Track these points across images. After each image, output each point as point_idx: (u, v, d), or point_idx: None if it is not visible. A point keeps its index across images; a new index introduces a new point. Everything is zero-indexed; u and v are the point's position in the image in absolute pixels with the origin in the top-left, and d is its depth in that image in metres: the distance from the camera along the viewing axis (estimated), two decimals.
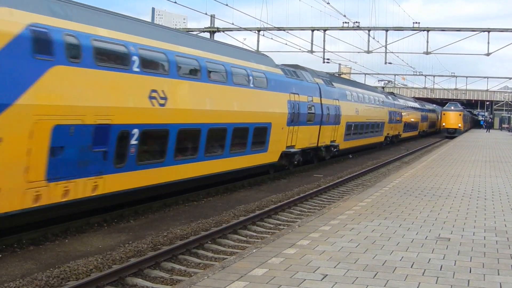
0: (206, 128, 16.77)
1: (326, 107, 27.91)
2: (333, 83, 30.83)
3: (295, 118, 23.35)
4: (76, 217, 13.07)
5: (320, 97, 27.12)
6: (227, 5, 25.25)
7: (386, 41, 37.34)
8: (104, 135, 12.46)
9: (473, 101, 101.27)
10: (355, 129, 33.93)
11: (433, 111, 79.49)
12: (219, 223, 13.73)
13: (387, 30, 36.22)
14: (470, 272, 7.75)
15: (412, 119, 58.93)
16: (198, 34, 29.31)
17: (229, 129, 18.22)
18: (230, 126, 18.27)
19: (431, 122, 75.85)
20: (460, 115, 68.90)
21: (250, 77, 19.81)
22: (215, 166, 17.70)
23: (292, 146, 23.69)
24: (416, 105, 64.34)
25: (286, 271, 7.61)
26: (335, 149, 30.07)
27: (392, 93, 53.67)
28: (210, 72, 17.19)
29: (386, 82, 60.01)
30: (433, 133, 78.62)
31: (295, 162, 24.86)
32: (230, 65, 18.45)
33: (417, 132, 63.06)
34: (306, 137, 25.21)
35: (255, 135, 20.04)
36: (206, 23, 35.23)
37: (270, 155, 21.77)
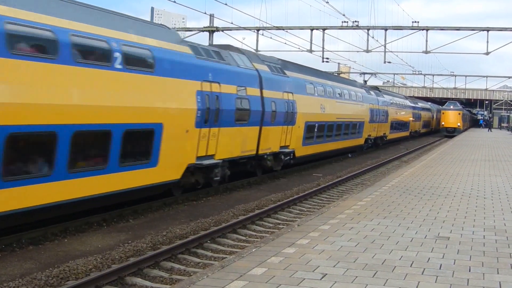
0: (5, 133, 10.33)
1: (271, 102, 21.26)
2: (285, 71, 23.85)
3: (213, 117, 17.05)
4: (76, 217, 13.07)
5: (261, 88, 20.58)
6: (226, 4, 25.25)
7: (385, 40, 37.38)
8: None
9: (472, 100, 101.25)
10: (320, 130, 27.12)
11: (427, 109, 73.56)
12: (218, 223, 13.73)
13: (386, 29, 36.21)
14: (469, 271, 7.75)
15: (402, 118, 53.08)
16: (197, 33, 29.26)
17: (61, 136, 11.51)
18: (64, 130, 11.57)
19: (425, 121, 70.48)
20: (459, 114, 68.93)
21: (117, 54, 13.01)
22: (27, 197, 11.04)
23: (210, 156, 17.23)
24: (407, 102, 58.66)
25: (285, 270, 7.61)
26: (289, 157, 23.55)
27: (376, 88, 46.82)
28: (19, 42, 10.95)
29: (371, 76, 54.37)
30: (427, 134, 73.27)
31: (217, 178, 17.79)
32: (70, 33, 11.85)
33: (408, 132, 57.23)
34: (234, 143, 18.85)
35: (127, 143, 13.41)
36: (206, 23, 35.28)
37: (164, 172, 15.07)
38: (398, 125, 51.02)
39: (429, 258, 8.36)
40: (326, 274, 7.45)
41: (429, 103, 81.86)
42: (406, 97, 63.89)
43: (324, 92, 28.13)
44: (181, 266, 10.37)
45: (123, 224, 13.46)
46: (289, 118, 23.08)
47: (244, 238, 12.88)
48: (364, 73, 68.70)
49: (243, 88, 19.22)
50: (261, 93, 20.65)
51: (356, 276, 7.37)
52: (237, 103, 18.69)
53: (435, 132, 77.96)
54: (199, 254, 11.28)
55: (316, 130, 26.61)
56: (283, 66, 24.21)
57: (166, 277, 9.73)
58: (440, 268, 7.84)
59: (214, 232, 12.50)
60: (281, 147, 22.80)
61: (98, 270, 9.66)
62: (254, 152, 20.55)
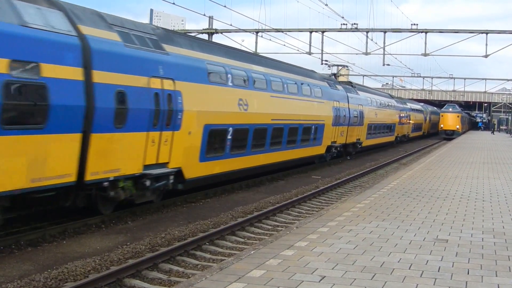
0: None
1: (114, 92, 13.02)
2: (163, 45, 15.39)
3: None
4: (74, 218, 13.06)
5: (87, 68, 12.35)
6: (225, 6, 25.30)
7: (384, 43, 37.42)
8: None
9: (471, 103, 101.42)
10: (237, 139, 18.97)
11: (418, 110, 64.70)
12: (217, 224, 13.73)
13: (385, 32, 36.27)
14: (468, 273, 7.75)
15: (384, 121, 43.71)
16: (197, 35, 29.23)
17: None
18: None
19: (415, 124, 61.48)
20: (458, 116, 69.09)
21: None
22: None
23: None
24: (392, 102, 48.69)
25: (284, 272, 7.61)
26: (165, 182, 15.12)
27: (349, 83, 37.61)
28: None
29: (340, 67, 38.62)
30: (418, 138, 64.77)
31: None
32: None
33: (393, 137, 48.49)
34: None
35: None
36: (205, 25, 35.17)
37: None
38: (379, 129, 42.44)
39: (427, 261, 8.36)
40: (325, 276, 7.45)
41: (421, 103, 72.82)
42: (391, 96, 52.79)
43: (244, 81, 19.86)
44: (180, 268, 10.37)
45: (122, 226, 13.45)
46: (165, 120, 14.90)
47: (242, 240, 12.87)
48: (364, 75, 68.34)
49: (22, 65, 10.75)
50: (88, 77, 12.29)
51: (355, 279, 7.37)
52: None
53: (428, 137, 72.68)
54: (198, 256, 11.27)
55: (229, 137, 18.51)
56: (163, 38, 15.70)
57: (165, 279, 9.73)
58: (438, 271, 7.84)
59: (212, 234, 12.49)
60: (147, 166, 14.32)
61: (97, 272, 9.65)
62: (72, 179, 12.08)
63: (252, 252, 8.82)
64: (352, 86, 37.02)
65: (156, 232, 12.69)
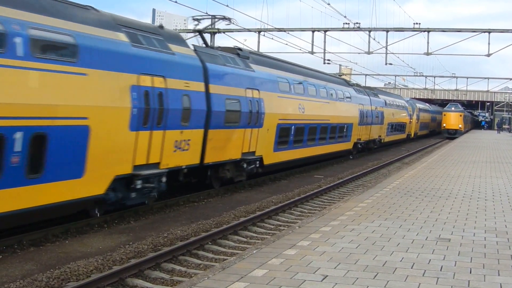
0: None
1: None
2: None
3: None
4: (77, 218, 13.08)
5: None
6: (227, 6, 25.28)
7: (386, 42, 37.32)
8: None
9: (474, 102, 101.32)
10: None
11: (401, 107, 51.19)
12: (219, 224, 13.73)
13: (387, 31, 36.21)
14: (470, 272, 7.75)
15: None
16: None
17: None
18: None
19: (396, 124, 48.01)
20: (460, 116, 68.98)
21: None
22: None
23: None
24: (354, 93, 34.53)
25: (286, 272, 7.61)
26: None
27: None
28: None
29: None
30: (399, 143, 51.22)
31: None
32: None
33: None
34: None
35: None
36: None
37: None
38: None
39: (430, 260, 8.35)
40: (327, 275, 7.45)
41: (407, 98, 66.65)
42: (359, 87, 40.60)
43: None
44: (182, 268, 10.38)
45: (124, 226, 13.46)
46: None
47: (245, 239, 12.87)
48: (366, 75, 67.73)
49: None
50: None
51: (357, 278, 7.37)
52: None
53: (417, 140, 61.88)
54: (200, 256, 11.28)
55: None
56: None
57: (167, 278, 9.73)
58: (441, 270, 7.83)
59: (215, 234, 12.50)
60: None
61: (99, 271, 9.67)
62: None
63: (254, 252, 8.82)
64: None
65: (158, 232, 12.70)
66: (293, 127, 23.59)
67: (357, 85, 40.03)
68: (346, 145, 32.56)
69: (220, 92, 17.60)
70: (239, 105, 18.72)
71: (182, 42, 16.44)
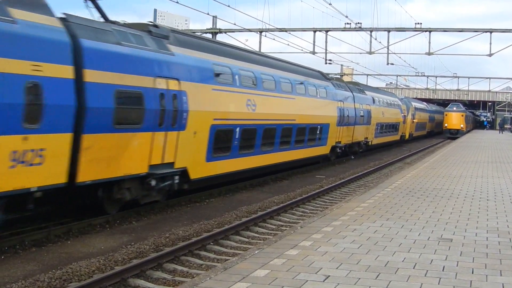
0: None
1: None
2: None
3: None
4: (79, 218, 13.09)
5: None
6: (229, 6, 25.29)
7: (388, 42, 37.34)
8: None
9: (475, 102, 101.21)
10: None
11: (393, 105, 46.10)
12: (221, 224, 13.73)
13: (389, 31, 36.21)
14: (472, 273, 7.74)
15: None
16: (201, 35, 29.22)
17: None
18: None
19: (387, 124, 42.98)
20: (462, 116, 68.97)
21: None
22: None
23: None
24: (331, 89, 29.40)
25: (288, 272, 7.61)
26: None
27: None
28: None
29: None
30: (391, 145, 46.26)
31: None
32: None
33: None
34: None
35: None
36: (209, 25, 35.16)
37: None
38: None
39: (432, 260, 8.35)
40: (329, 276, 7.45)
41: (393, 95, 54.21)
42: (330, 78, 33.98)
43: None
44: (184, 268, 10.38)
45: (126, 226, 13.47)
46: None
47: (247, 240, 12.87)
48: (367, 75, 67.36)
49: None
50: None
51: (359, 278, 7.36)
52: None
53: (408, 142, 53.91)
54: (202, 256, 11.28)
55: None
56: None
57: (169, 279, 9.74)
58: (443, 270, 7.82)
59: (217, 234, 12.50)
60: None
61: (101, 272, 9.67)
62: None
63: (256, 252, 8.82)
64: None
65: (160, 232, 12.70)
66: (237, 129, 18.56)
67: (339, 79, 35.36)
68: (321, 150, 27.61)
69: (106, 81, 12.74)
70: (142, 100, 13.74)
71: (37, 8, 11.39)
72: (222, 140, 17.60)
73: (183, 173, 15.61)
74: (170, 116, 14.64)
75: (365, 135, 35.99)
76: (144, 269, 9.87)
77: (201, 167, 16.56)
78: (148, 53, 14.28)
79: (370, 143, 37.59)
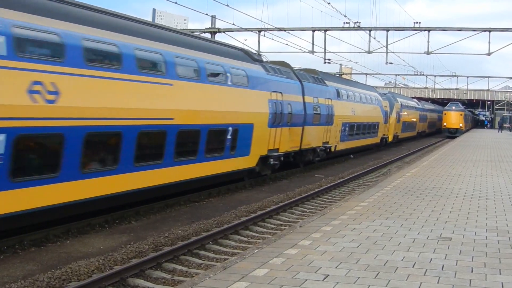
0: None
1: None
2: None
3: None
4: (78, 218, 13.08)
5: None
6: (228, 5, 25.27)
7: (387, 41, 37.34)
8: None
9: (474, 101, 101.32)
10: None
11: (370, 100, 38.59)
12: (220, 224, 13.73)
13: (388, 30, 36.23)
14: (471, 271, 7.74)
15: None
16: (200, 35, 29.19)
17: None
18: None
19: (361, 125, 35.11)
20: (461, 115, 69.06)
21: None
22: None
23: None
24: (261, 73, 21.11)
25: (287, 271, 7.61)
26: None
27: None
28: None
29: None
30: (368, 149, 39.49)
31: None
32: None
33: (251, 162, 19.68)
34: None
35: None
36: (208, 25, 35.11)
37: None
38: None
39: (431, 259, 8.35)
40: (328, 275, 7.45)
41: (373, 89, 45.21)
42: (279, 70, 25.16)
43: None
44: (183, 267, 10.38)
45: (125, 226, 13.47)
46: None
47: (246, 239, 12.87)
48: (366, 74, 67.28)
49: None
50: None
51: (358, 277, 7.36)
52: None
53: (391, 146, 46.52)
54: (201, 255, 11.28)
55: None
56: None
57: (168, 278, 9.73)
58: (442, 269, 7.83)
59: (216, 234, 12.49)
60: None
61: (100, 271, 9.67)
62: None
63: (255, 251, 8.82)
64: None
65: (159, 232, 12.70)
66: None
67: (281, 62, 25.36)
68: (236, 164, 18.93)
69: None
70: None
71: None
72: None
73: None
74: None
75: (324, 138, 27.94)
76: (144, 268, 9.86)
77: None
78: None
79: (334, 148, 29.80)
